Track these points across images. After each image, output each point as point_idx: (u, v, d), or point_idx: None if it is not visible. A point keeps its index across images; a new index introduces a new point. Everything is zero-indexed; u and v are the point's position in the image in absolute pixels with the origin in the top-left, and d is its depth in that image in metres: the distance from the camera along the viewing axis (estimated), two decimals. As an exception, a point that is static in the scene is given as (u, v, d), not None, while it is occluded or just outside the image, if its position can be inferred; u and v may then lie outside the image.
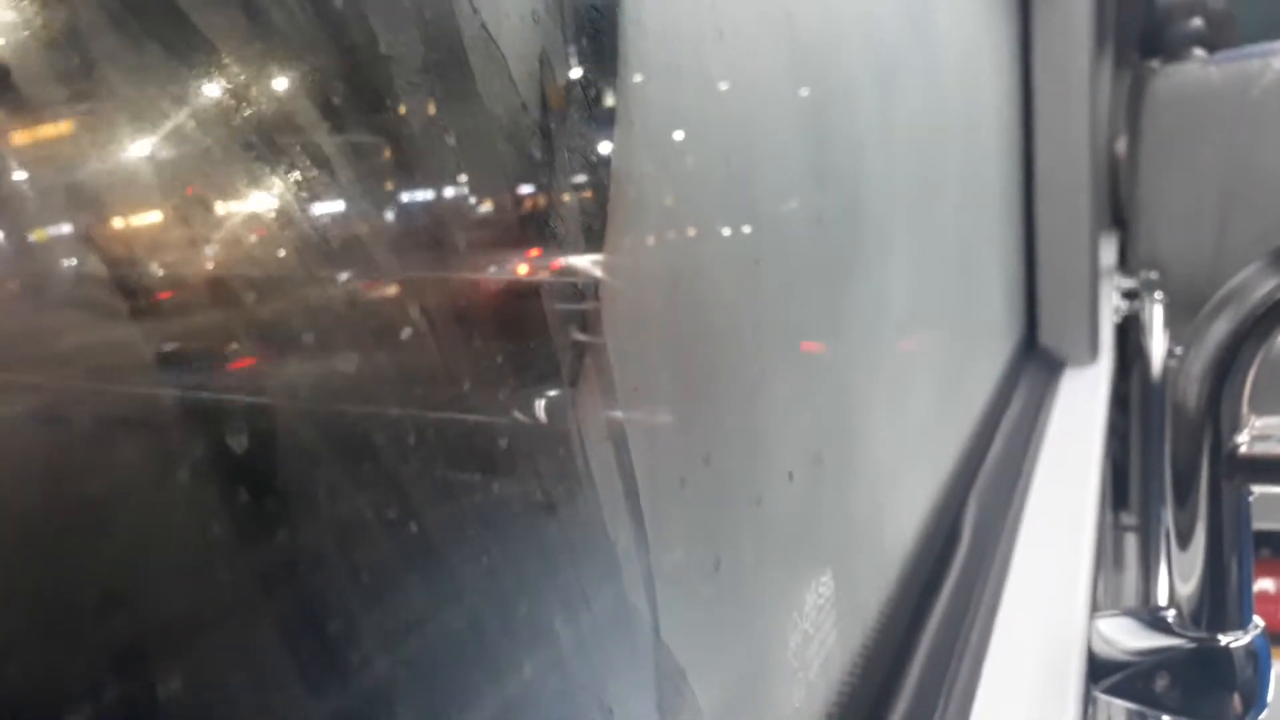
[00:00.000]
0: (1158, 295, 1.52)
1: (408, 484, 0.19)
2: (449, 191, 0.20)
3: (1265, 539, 1.65)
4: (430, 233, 0.20)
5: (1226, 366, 0.52)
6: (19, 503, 0.13)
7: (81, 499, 0.14)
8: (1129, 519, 1.65)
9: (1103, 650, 0.58)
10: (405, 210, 0.19)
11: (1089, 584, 0.64)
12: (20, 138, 0.13)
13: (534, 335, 0.22)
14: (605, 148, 0.24)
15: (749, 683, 0.33)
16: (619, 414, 0.25)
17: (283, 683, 0.17)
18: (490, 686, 0.21)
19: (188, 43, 0.14)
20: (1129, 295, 1.60)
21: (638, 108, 0.26)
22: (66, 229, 0.14)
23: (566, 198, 0.23)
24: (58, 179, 0.14)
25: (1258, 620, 0.56)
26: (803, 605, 0.38)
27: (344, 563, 0.18)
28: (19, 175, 0.13)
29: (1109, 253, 1.84)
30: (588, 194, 0.23)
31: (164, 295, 0.15)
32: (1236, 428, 0.53)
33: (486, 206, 0.21)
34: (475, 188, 0.20)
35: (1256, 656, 0.55)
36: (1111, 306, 1.48)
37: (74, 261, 0.14)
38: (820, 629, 0.40)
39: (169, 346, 0.15)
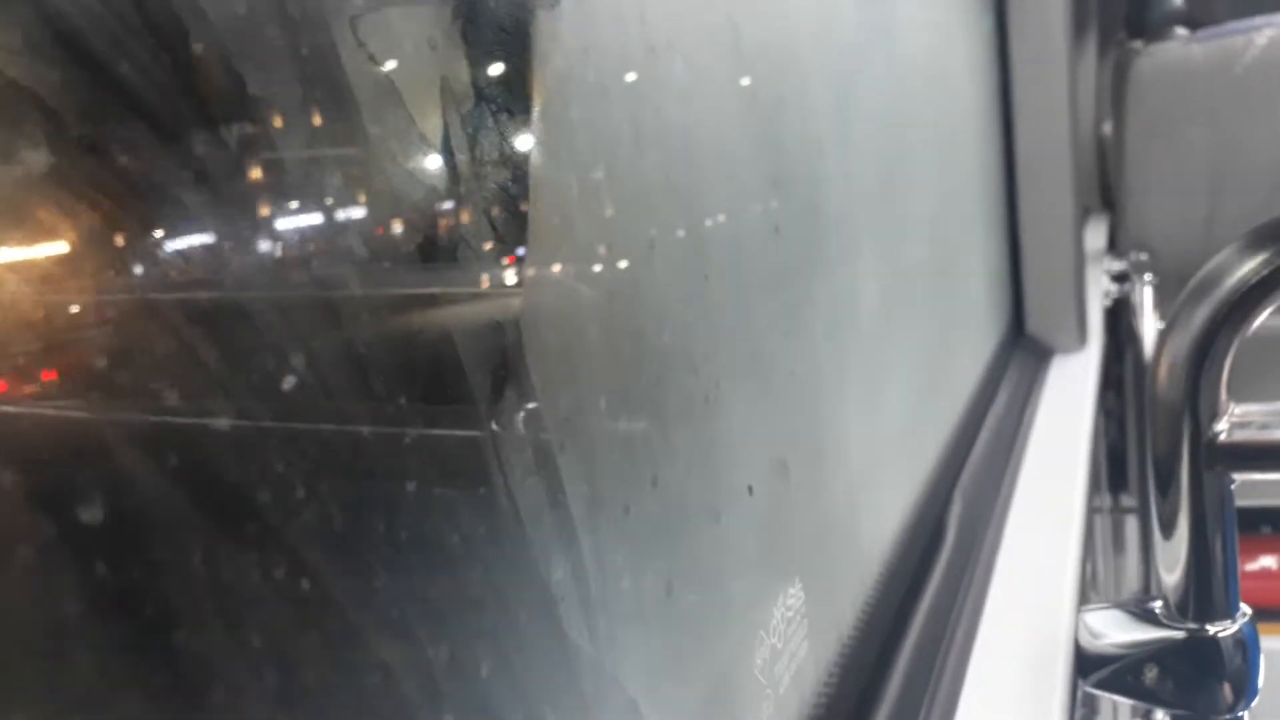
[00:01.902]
0: (1148, 277, 1.52)
1: (299, 531, 0.18)
2: (342, 228, 0.19)
3: (1269, 516, 1.64)
4: (323, 273, 0.19)
5: (1203, 355, 0.52)
6: None
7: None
8: (1129, 501, 1.64)
9: (1090, 644, 0.57)
10: (295, 252, 0.19)
11: (1076, 577, 0.63)
12: None
13: (444, 370, 0.21)
14: (520, 171, 0.23)
15: (710, 706, 0.33)
16: (548, 445, 0.24)
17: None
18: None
19: (30, 105, 0.14)
20: (1119, 278, 1.60)
21: (559, 127, 0.25)
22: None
23: (478, 225, 0.22)
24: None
25: (1245, 608, 0.55)
26: (769, 621, 0.37)
27: (225, 621, 0.17)
28: None
29: (1098, 236, 1.83)
30: (501, 219, 0.23)
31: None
32: (1216, 415, 0.53)
33: (395, 249, 0.21)
34: (371, 220, 0.20)
35: (1245, 645, 0.54)
36: (1100, 291, 1.48)
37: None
38: (790, 643, 0.39)
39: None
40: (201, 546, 0.16)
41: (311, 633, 0.18)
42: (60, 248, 0.15)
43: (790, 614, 0.39)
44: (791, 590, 0.39)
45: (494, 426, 0.22)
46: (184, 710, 0.15)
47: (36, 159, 0.14)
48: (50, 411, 0.15)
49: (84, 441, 0.15)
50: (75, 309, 0.15)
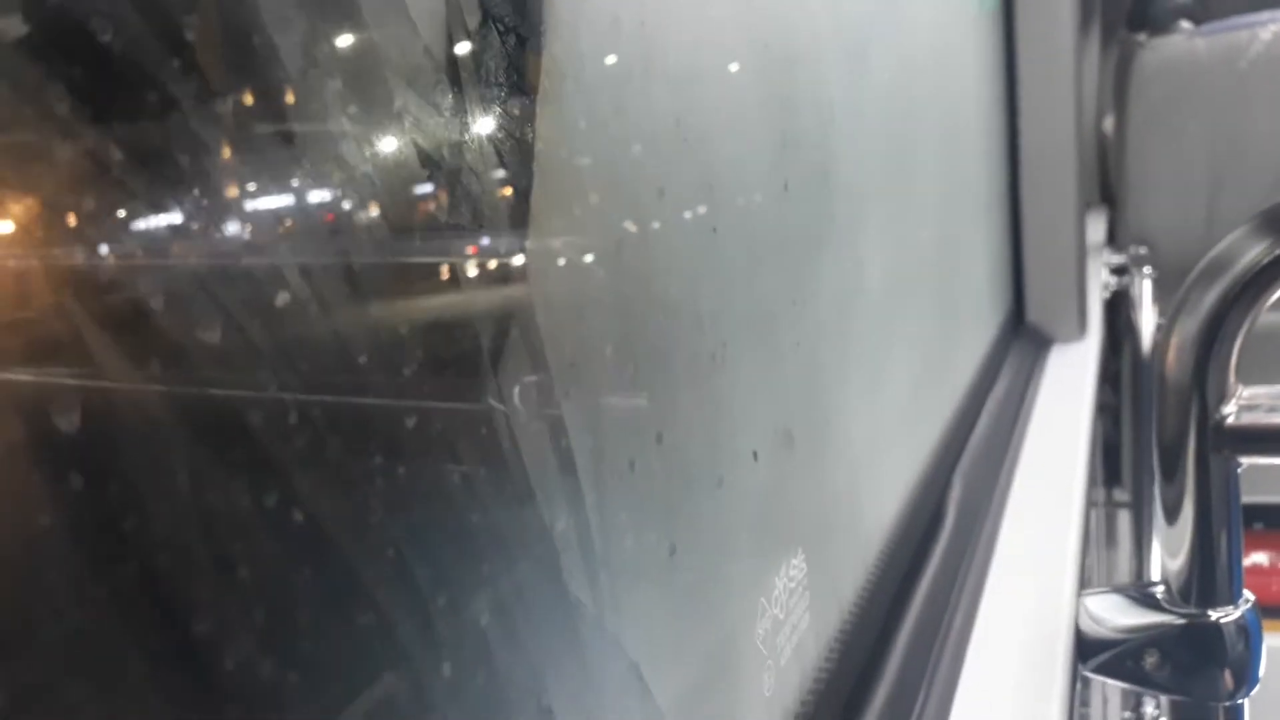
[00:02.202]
0: (1147, 270, 1.51)
1: (321, 474, 0.17)
2: (348, 164, 0.18)
3: (1260, 513, 1.64)
4: (332, 204, 0.18)
5: (1212, 336, 0.51)
6: None
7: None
8: (1122, 495, 1.64)
9: (1091, 629, 0.56)
10: (303, 185, 0.18)
11: (1077, 561, 0.63)
12: None
13: (449, 312, 0.20)
14: (528, 105, 0.22)
15: (711, 674, 0.32)
16: (554, 392, 0.23)
17: (172, 681, 0.15)
18: (407, 688, 0.19)
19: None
20: (1118, 271, 1.59)
21: (569, 61, 0.24)
22: None
23: (482, 162, 0.21)
24: None
25: (1248, 595, 0.54)
26: (771, 590, 0.36)
27: (235, 557, 0.16)
28: None
29: (1097, 229, 1.83)
30: (510, 156, 0.22)
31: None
32: (1223, 398, 0.52)
33: (396, 178, 0.19)
34: (376, 152, 0.19)
35: (1247, 632, 0.54)
36: (1100, 283, 1.47)
37: None
38: (791, 614, 0.38)
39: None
40: (224, 492, 0.15)
41: (310, 574, 0.17)
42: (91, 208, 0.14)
43: (793, 585, 0.38)
44: (794, 561, 0.38)
45: (498, 370, 0.21)
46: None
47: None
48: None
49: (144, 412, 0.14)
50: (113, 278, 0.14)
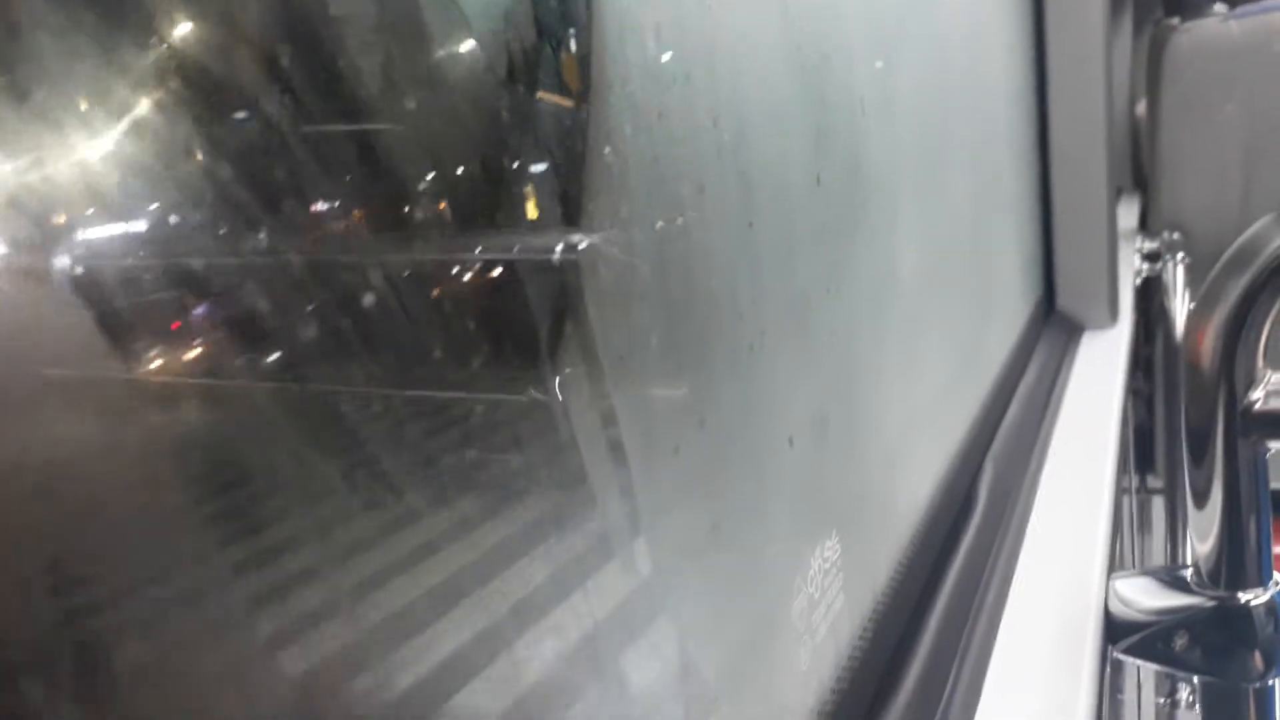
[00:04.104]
0: (1180, 256, 1.50)
1: (385, 460, 0.19)
2: (413, 163, 0.20)
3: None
4: (398, 208, 0.20)
5: (1241, 322, 0.52)
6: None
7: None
8: (1155, 482, 1.63)
9: (1120, 611, 0.57)
10: (370, 184, 0.19)
11: (1107, 544, 0.64)
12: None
13: (512, 307, 0.22)
14: (580, 110, 0.24)
15: (752, 646, 0.33)
16: (605, 381, 0.25)
17: (261, 661, 0.17)
18: (483, 654, 0.21)
19: (130, 6, 0.14)
20: (1151, 257, 1.58)
21: (615, 68, 0.25)
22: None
23: (539, 163, 0.22)
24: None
25: (1278, 577, 0.55)
26: (807, 570, 0.38)
27: (324, 535, 0.18)
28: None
29: (1130, 215, 1.82)
30: (562, 158, 0.23)
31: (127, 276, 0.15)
32: (1252, 384, 0.53)
33: (456, 178, 0.21)
34: (441, 158, 0.20)
35: (1277, 614, 0.54)
36: (1132, 269, 1.47)
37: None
38: (826, 594, 0.39)
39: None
40: (307, 478, 0.17)
41: (395, 551, 0.18)
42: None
43: (827, 566, 0.40)
44: (829, 543, 0.40)
45: (555, 362, 0.23)
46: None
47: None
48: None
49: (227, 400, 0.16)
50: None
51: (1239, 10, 1.75)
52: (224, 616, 0.16)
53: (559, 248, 0.23)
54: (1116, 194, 1.21)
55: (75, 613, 0.14)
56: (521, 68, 0.22)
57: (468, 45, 0.20)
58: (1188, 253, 1.51)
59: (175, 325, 0.16)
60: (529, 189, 0.23)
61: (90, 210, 0.15)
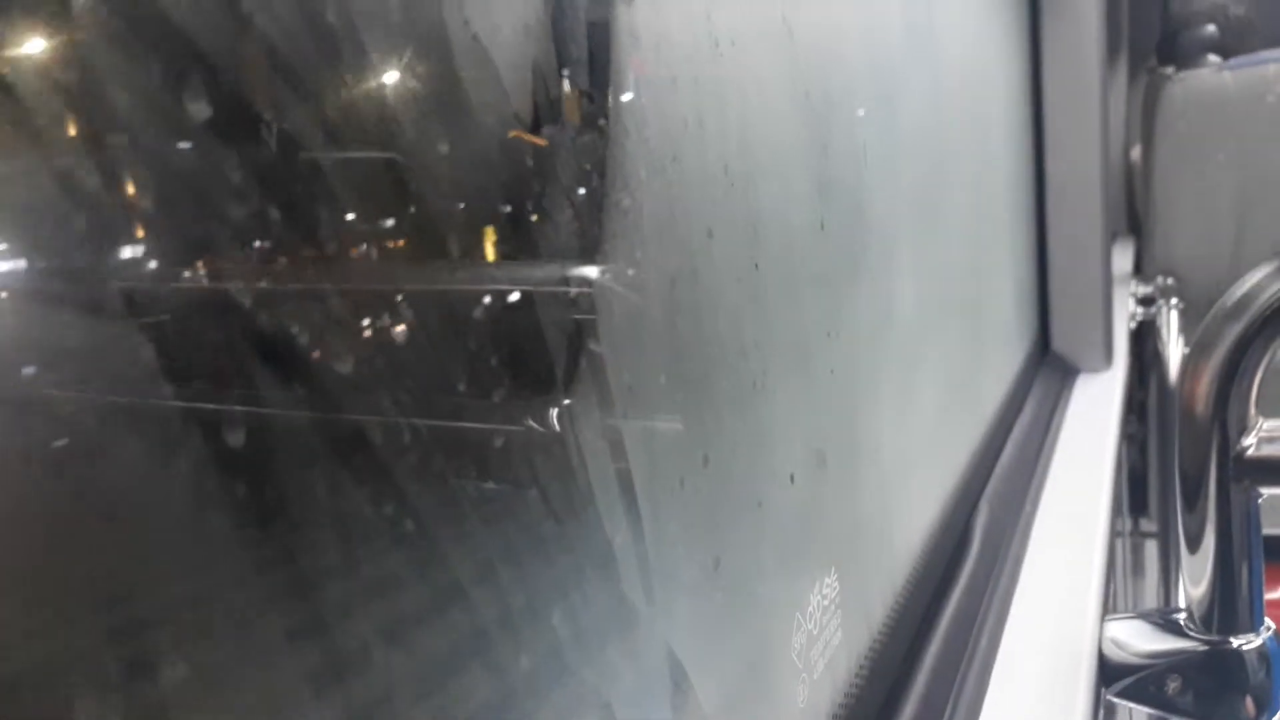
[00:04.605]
0: (1174, 301, 1.52)
1: (406, 486, 0.19)
2: (441, 200, 0.20)
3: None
4: (425, 242, 0.21)
5: (1234, 368, 0.52)
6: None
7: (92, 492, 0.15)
8: (1148, 525, 1.64)
9: (1114, 653, 0.58)
10: (400, 219, 0.20)
11: (1101, 587, 0.64)
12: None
13: (529, 343, 0.23)
14: (599, 156, 0.25)
15: (750, 682, 0.34)
16: (615, 416, 0.25)
17: (284, 679, 0.17)
18: (489, 682, 0.21)
19: (172, 55, 0.15)
20: (1145, 301, 1.60)
21: (632, 116, 0.26)
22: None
23: (561, 205, 0.23)
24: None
25: (1269, 623, 0.55)
26: (806, 606, 0.38)
27: (344, 561, 0.18)
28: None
29: (1124, 259, 1.83)
30: (582, 201, 0.24)
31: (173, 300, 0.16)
32: (1244, 430, 0.53)
33: (480, 215, 0.22)
34: (468, 196, 0.21)
35: (1269, 659, 0.55)
36: (1127, 313, 1.48)
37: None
38: (825, 630, 0.40)
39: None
40: (342, 504, 0.17)
41: (412, 575, 0.19)
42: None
43: (826, 602, 0.40)
44: (828, 579, 0.40)
45: (569, 394, 0.23)
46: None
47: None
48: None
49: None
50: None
51: (1233, 61, 1.78)
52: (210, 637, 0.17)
53: (575, 283, 0.24)
54: (1111, 238, 1.23)
55: (119, 631, 0.14)
56: (546, 111, 0.23)
57: (496, 90, 0.21)
58: (1181, 298, 1.53)
59: (192, 347, 0.17)
60: (549, 227, 0.23)
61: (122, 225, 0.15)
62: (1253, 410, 0.54)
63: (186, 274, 0.16)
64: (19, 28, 0.14)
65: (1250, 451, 0.53)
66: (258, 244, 0.17)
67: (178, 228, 0.16)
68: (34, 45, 0.14)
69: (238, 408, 0.17)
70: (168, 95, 0.16)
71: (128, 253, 0.16)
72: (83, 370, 0.15)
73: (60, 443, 0.14)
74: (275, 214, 0.17)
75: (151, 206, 0.16)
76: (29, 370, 0.14)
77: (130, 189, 0.16)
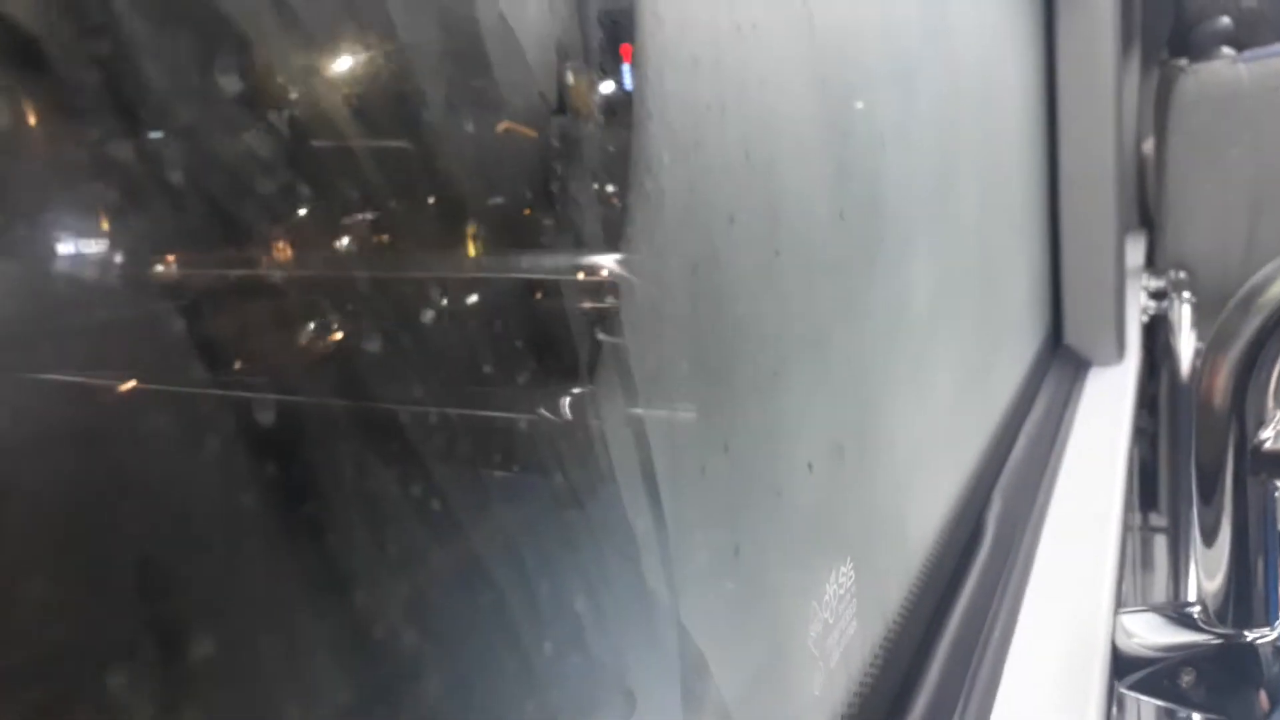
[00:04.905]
0: (1186, 295, 1.51)
1: (434, 473, 0.19)
2: (467, 183, 0.20)
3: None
4: (448, 229, 0.20)
5: (1251, 362, 0.52)
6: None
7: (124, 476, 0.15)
8: (1158, 520, 1.63)
9: (1127, 646, 0.58)
10: (425, 203, 0.20)
11: (1114, 580, 0.64)
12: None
13: (554, 330, 0.23)
14: (623, 139, 0.25)
15: (768, 669, 0.34)
16: (638, 403, 0.25)
17: (314, 663, 0.17)
18: (515, 668, 0.21)
19: (205, 31, 0.15)
20: (1157, 295, 1.59)
21: (655, 99, 0.26)
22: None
23: (585, 189, 0.23)
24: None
25: (1285, 617, 0.55)
26: (823, 595, 0.38)
27: (372, 547, 0.18)
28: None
29: (1136, 253, 1.83)
30: (606, 185, 0.24)
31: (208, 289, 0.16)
32: (1262, 423, 0.53)
33: (506, 199, 0.22)
34: (493, 179, 0.21)
35: (1283, 653, 0.55)
36: (1139, 307, 1.47)
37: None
38: (840, 619, 0.40)
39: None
40: (372, 489, 0.17)
41: (440, 560, 0.19)
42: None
43: (842, 591, 0.40)
44: (844, 569, 0.40)
45: (594, 381, 0.23)
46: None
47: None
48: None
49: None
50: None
51: (1247, 54, 1.77)
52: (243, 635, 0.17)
53: (598, 270, 0.24)
54: (1124, 232, 1.22)
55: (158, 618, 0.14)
56: (571, 97, 0.23)
57: (523, 75, 0.21)
58: (1193, 292, 1.52)
59: (219, 335, 0.17)
60: (572, 214, 0.23)
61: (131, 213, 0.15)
62: (1270, 403, 0.54)
63: (226, 259, 0.16)
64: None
65: (1268, 445, 0.53)
66: (284, 231, 0.17)
67: (211, 213, 0.16)
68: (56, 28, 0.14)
69: (270, 395, 0.17)
70: (191, 75, 0.16)
71: (155, 238, 0.15)
72: (114, 355, 0.15)
73: (88, 426, 0.14)
74: (302, 202, 0.17)
75: (182, 191, 0.16)
76: (51, 353, 0.14)
77: (151, 177, 0.15)
